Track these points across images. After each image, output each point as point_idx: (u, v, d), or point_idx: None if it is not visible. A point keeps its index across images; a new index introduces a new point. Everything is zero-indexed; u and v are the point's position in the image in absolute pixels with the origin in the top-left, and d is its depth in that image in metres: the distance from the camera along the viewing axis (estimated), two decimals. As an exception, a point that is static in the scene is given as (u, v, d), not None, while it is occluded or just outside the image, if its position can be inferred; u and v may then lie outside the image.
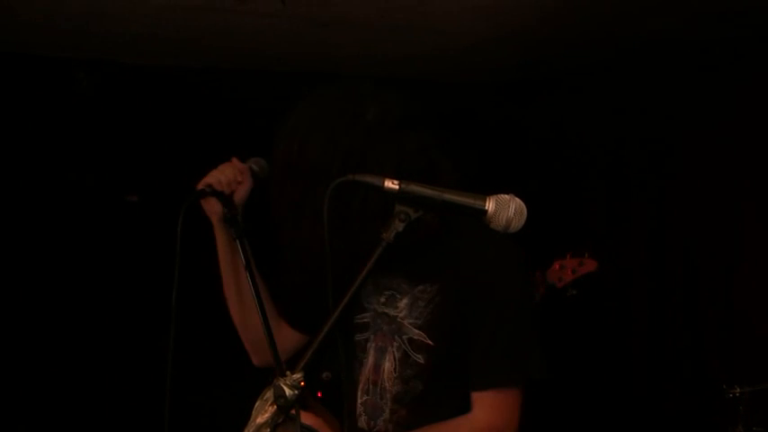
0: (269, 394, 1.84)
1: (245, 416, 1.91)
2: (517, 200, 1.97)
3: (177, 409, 2.20)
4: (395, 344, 2.44)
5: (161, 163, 5.24)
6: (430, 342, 2.39)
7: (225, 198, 2.44)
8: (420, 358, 2.40)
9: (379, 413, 2.47)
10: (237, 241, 2.40)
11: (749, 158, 4.79)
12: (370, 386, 2.49)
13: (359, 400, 2.50)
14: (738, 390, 3.81)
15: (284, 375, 1.85)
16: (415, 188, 1.96)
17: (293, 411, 1.85)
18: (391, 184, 1.96)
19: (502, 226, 1.96)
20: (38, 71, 5.05)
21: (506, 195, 1.97)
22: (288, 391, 1.83)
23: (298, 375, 1.85)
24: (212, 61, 5.23)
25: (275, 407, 1.83)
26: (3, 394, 4.98)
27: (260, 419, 1.84)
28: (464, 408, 2.40)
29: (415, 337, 2.41)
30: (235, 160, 2.53)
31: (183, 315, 2.27)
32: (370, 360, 2.51)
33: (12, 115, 5.03)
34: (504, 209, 1.95)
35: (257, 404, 1.85)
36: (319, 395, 3.69)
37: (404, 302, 2.45)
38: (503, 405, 2.39)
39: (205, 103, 5.24)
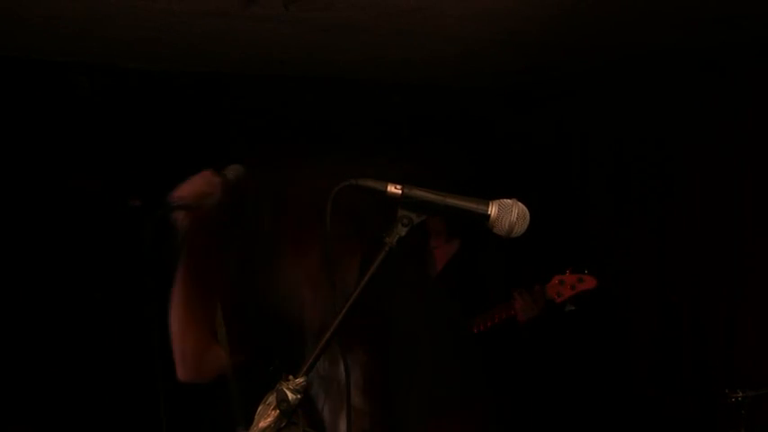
0: (271, 399, 1.84)
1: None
2: (520, 204, 1.97)
3: (176, 414, 2.21)
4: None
5: (164, 168, 5.24)
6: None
7: (192, 210, 2.49)
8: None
9: None
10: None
11: (752, 166, 4.79)
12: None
13: None
14: (740, 394, 3.81)
15: (287, 380, 1.85)
16: (417, 193, 1.96)
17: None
18: (394, 189, 1.96)
19: (505, 231, 1.96)
20: (40, 75, 5.05)
21: (509, 200, 1.97)
22: (290, 396, 1.83)
23: (300, 380, 1.85)
24: (215, 66, 5.23)
25: (278, 411, 1.83)
26: (5, 397, 4.98)
27: (263, 424, 1.84)
28: None
29: None
30: (206, 173, 2.56)
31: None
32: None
33: (14, 120, 5.04)
34: (507, 213, 1.95)
35: (260, 409, 1.85)
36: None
37: None
38: None
39: (208, 107, 5.25)
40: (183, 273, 2.50)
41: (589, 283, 4.55)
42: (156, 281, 2.28)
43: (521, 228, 1.97)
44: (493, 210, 1.95)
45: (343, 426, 2.46)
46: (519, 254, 5.12)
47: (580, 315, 4.61)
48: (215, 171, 2.56)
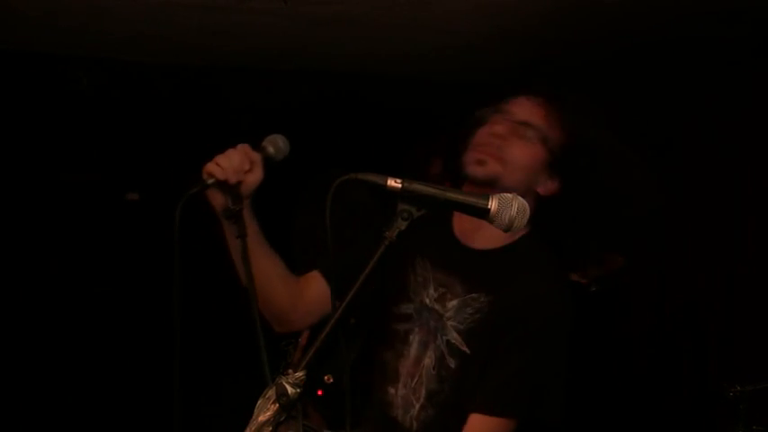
0: (271, 392, 1.84)
1: (247, 414, 1.91)
2: (519, 199, 1.97)
3: (180, 407, 2.20)
4: (437, 341, 2.43)
5: (161, 161, 5.24)
6: (465, 349, 2.37)
7: (229, 189, 2.33)
8: (452, 363, 2.40)
9: (410, 408, 2.47)
10: (239, 240, 2.35)
11: (751, 159, 4.79)
12: (409, 380, 2.48)
13: (399, 392, 2.49)
14: (739, 388, 3.81)
15: (286, 374, 1.85)
16: (417, 187, 1.96)
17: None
18: (394, 183, 1.96)
19: (504, 225, 1.96)
20: (37, 69, 5.05)
21: (509, 194, 1.98)
22: (290, 390, 1.83)
23: (300, 374, 1.85)
24: (213, 59, 5.23)
25: (277, 405, 1.83)
26: (1, 393, 4.98)
27: (262, 418, 1.84)
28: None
29: (453, 341, 2.40)
30: (243, 146, 2.39)
31: (184, 315, 2.26)
32: (413, 353, 2.50)
33: (11, 113, 5.03)
34: (507, 208, 1.95)
35: (259, 402, 1.85)
36: (319, 393, 3.69)
37: (453, 303, 2.44)
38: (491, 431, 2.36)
39: (205, 101, 5.24)
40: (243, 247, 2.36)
41: (616, 262, 4.52)
42: (186, 268, 2.22)
43: (520, 222, 1.97)
44: (493, 204, 1.95)
45: (428, 360, 2.45)
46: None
47: (601, 297, 4.60)
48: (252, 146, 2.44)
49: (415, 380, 2.46)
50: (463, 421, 2.36)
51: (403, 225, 1.94)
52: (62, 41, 4.90)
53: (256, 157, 2.38)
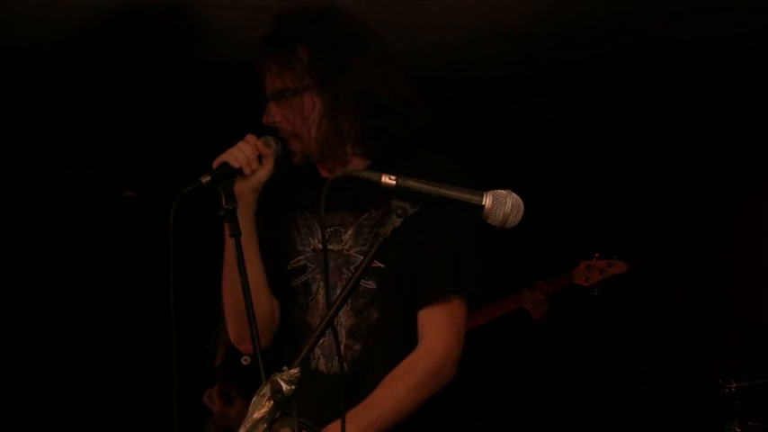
0: (266, 390, 1.84)
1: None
2: (514, 195, 1.97)
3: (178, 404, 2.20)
4: (343, 277, 2.45)
5: (158, 158, 5.23)
6: (380, 264, 2.39)
7: (228, 186, 2.36)
8: (371, 283, 2.42)
9: (331, 355, 2.47)
10: (232, 239, 2.36)
11: (747, 155, 4.79)
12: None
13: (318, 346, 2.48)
14: (734, 384, 3.82)
15: (281, 371, 1.85)
16: (412, 183, 1.96)
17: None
18: (388, 180, 1.96)
19: (499, 221, 1.96)
20: (32, 66, 5.03)
21: (503, 191, 1.97)
22: (285, 387, 1.83)
23: (295, 371, 1.85)
24: (208, 56, 5.22)
25: (272, 402, 1.84)
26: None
27: (257, 415, 1.84)
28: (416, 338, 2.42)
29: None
30: (251, 137, 2.46)
31: (180, 313, 2.26)
32: (321, 300, 2.51)
33: (5, 111, 5.02)
34: (501, 204, 1.95)
35: (254, 400, 1.86)
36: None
37: (348, 234, 2.47)
38: (451, 320, 2.42)
39: (200, 98, 5.23)
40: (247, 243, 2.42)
41: (619, 267, 4.54)
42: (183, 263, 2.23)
43: (515, 219, 1.97)
44: (487, 201, 1.95)
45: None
46: (516, 246, 5.15)
47: (604, 302, 4.61)
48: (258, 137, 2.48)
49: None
50: (392, 341, 2.42)
51: (397, 222, 1.94)
52: (56, 38, 4.89)
53: (268, 151, 2.41)
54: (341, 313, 2.43)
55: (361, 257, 2.37)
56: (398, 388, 2.37)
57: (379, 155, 2.45)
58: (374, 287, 2.43)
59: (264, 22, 3.65)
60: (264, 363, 2.23)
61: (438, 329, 2.40)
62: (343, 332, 2.46)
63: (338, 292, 2.41)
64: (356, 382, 2.43)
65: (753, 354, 4.62)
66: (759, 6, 4.33)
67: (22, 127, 5.08)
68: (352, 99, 2.44)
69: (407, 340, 2.44)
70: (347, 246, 2.47)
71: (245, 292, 2.31)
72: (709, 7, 4.38)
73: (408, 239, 2.35)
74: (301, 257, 2.57)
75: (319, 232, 2.51)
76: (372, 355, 2.44)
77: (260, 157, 2.44)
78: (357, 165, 2.47)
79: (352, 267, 2.45)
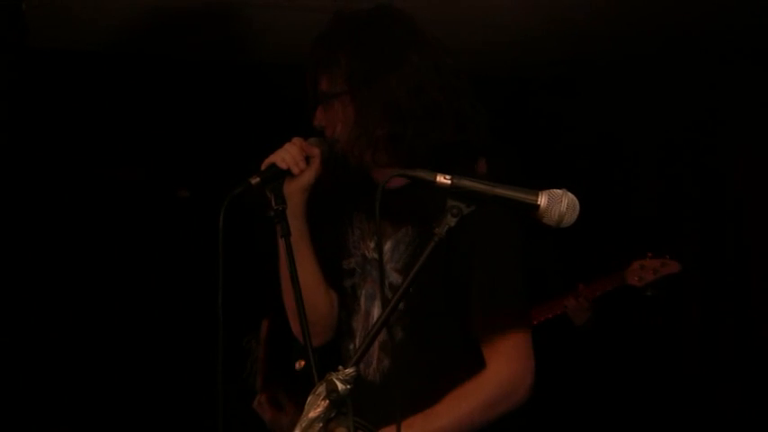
0: (321, 389, 1.85)
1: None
2: (570, 195, 1.96)
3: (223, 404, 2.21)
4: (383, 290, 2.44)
5: (212, 158, 5.26)
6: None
7: (277, 188, 2.39)
8: (400, 305, 2.41)
9: (369, 361, 2.48)
10: (283, 240, 2.38)
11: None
12: (364, 333, 2.50)
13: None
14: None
15: (337, 370, 1.86)
16: (466, 183, 1.95)
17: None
18: (443, 180, 1.96)
19: (554, 221, 1.95)
20: (88, 67, 5.08)
21: (559, 190, 1.96)
22: (340, 386, 1.83)
23: (350, 370, 1.85)
24: (260, 56, 5.25)
25: (327, 402, 1.84)
26: (28, 387, 5.00)
27: (312, 414, 1.84)
28: (443, 361, 2.43)
29: (394, 282, 2.42)
30: (297, 139, 2.49)
31: (228, 312, 2.27)
32: (362, 307, 2.53)
33: (63, 113, 5.07)
34: (557, 204, 1.94)
35: (309, 399, 1.86)
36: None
37: (388, 246, 2.48)
38: (519, 350, 2.41)
39: (255, 97, 5.26)
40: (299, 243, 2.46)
41: (672, 267, 4.49)
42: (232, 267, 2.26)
43: (570, 218, 1.96)
44: (542, 200, 1.94)
45: (376, 311, 2.50)
46: (568, 245, 5.12)
47: (655, 301, 4.58)
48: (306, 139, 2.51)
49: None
50: (417, 366, 2.41)
51: (452, 222, 1.94)
52: (110, 40, 4.94)
53: (315, 151, 2.44)
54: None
55: (395, 274, 2.44)
56: (461, 406, 2.37)
57: (416, 164, 2.44)
58: (401, 308, 2.41)
59: (318, 22, 3.66)
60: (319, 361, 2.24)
61: (506, 360, 2.39)
62: (375, 344, 2.46)
63: (376, 302, 2.47)
64: (384, 397, 2.43)
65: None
66: None
67: (80, 127, 5.13)
68: (379, 107, 2.43)
69: (433, 362, 2.44)
70: (386, 258, 2.48)
71: (296, 291, 2.33)
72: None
73: (439, 264, 2.33)
74: (352, 260, 2.59)
75: (369, 238, 2.53)
76: (398, 373, 2.45)
77: (307, 158, 2.46)
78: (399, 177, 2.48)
79: (387, 282, 2.46)
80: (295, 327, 2.59)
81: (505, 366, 2.38)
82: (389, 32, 2.52)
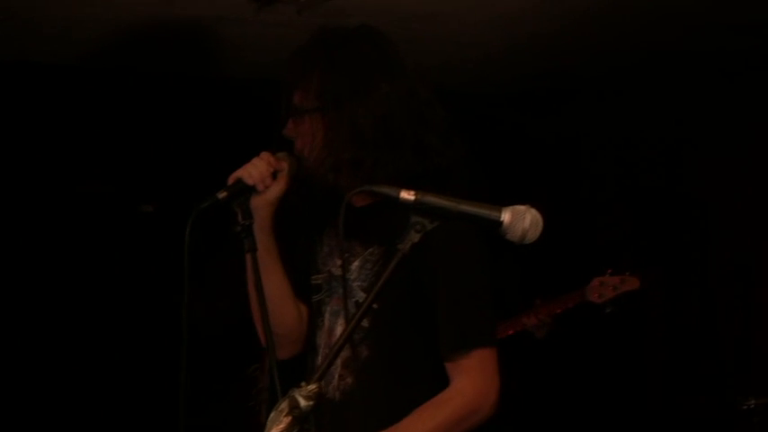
0: (284, 405, 1.84)
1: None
2: (533, 211, 1.96)
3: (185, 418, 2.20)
4: (348, 307, 2.43)
5: (176, 173, 5.24)
6: (374, 305, 2.39)
7: (244, 202, 2.39)
8: (365, 322, 2.40)
9: (331, 378, 2.48)
10: (250, 255, 2.38)
11: (763, 159, 4.78)
12: (326, 350, 2.51)
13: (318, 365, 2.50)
14: (753, 401, 3.80)
15: (299, 386, 1.85)
16: (430, 199, 1.96)
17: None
18: (407, 195, 1.96)
19: (518, 237, 1.95)
20: (53, 80, 5.06)
21: (522, 206, 1.97)
22: (303, 402, 1.83)
23: (313, 386, 1.85)
24: (227, 71, 5.24)
25: (290, 418, 1.83)
26: (7, 407, 4.96)
27: (275, 430, 1.83)
28: (409, 379, 2.43)
29: (361, 299, 2.42)
30: (266, 154, 2.48)
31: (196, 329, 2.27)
32: (326, 323, 2.53)
33: (25, 125, 5.04)
34: (520, 220, 1.94)
35: (272, 415, 1.85)
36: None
37: (355, 264, 2.48)
38: (484, 368, 2.40)
39: (220, 112, 5.25)
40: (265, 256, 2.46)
41: (632, 284, 4.50)
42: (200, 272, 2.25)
43: (533, 234, 1.96)
44: (506, 216, 1.94)
45: (340, 328, 2.50)
46: (531, 262, 5.13)
47: (617, 318, 4.59)
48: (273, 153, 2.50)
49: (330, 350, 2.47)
50: (382, 384, 2.42)
51: (416, 237, 1.94)
52: (77, 53, 4.92)
53: (283, 165, 2.44)
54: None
55: (362, 292, 2.44)
56: (425, 423, 2.36)
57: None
58: (367, 326, 2.42)
59: (282, 37, 3.67)
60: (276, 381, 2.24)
61: (471, 377, 2.39)
62: (338, 362, 2.46)
63: (340, 320, 2.48)
64: (343, 415, 2.45)
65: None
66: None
67: (43, 139, 5.10)
68: (345, 130, 2.44)
69: (398, 381, 2.44)
70: (353, 276, 2.48)
71: (261, 306, 2.34)
72: (729, 22, 4.37)
73: (405, 282, 2.34)
74: (320, 277, 2.60)
75: (337, 256, 2.53)
76: (361, 391, 2.45)
77: (275, 173, 2.46)
78: (367, 197, 2.48)
79: (353, 300, 2.45)
80: (261, 337, 2.59)
81: (470, 384, 2.38)
82: (364, 57, 2.53)
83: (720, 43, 4.73)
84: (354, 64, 2.50)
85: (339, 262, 2.51)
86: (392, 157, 2.44)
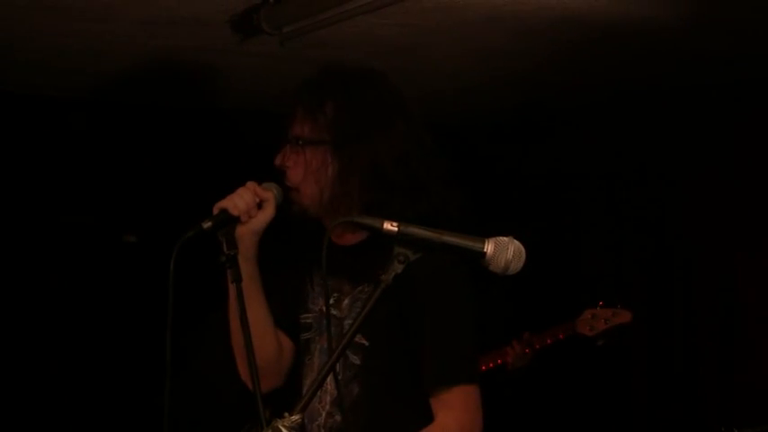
0: (267, 436, 1.84)
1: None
2: (516, 242, 1.98)
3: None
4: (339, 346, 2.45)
5: (159, 203, 5.24)
6: (364, 342, 2.40)
7: (229, 233, 2.39)
8: (356, 359, 2.43)
9: (316, 416, 2.48)
10: (235, 285, 2.37)
11: (748, 203, 4.81)
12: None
13: None
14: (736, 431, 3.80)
15: (282, 417, 1.85)
16: (413, 230, 1.97)
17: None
18: (390, 226, 1.97)
19: (501, 268, 1.96)
20: (32, 111, 5.05)
21: (505, 238, 1.98)
22: (286, 433, 1.83)
23: (296, 417, 1.85)
24: (210, 101, 5.25)
25: (273, 448, 1.83)
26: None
27: (258, 461, 1.83)
28: (397, 417, 2.43)
29: (354, 338, 2.42)
30: (252, 184, 2.48)
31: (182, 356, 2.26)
32: (316, 362, 2.53)
33: (7, 157, 5.02)
34: (504, 251, 1.96)
35: (255, 445, 1.85)
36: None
37: (346, 303, 2.49)
38: (467, 403, 2.42)
39: (203, 142, 5.25)
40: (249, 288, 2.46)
41: (624, 316, 4.51)
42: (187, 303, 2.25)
43: (516, 265, 1.97)
44: (489, 247, 1.96)
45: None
46: (518, 294, 5.14)
47: (607, 350, 4.59)
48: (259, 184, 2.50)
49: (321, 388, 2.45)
50: (370, 422, 2.42)
51: (399, 268, 1.95)
52: (57, 83, 4.92)
53: (269, 195, 2.43)
54: (329, 381, 2.44)
55: None
56: None
57: None
58: (358, 363, 2.43)
59: (265, 67, 3.68)
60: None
61: (454, 413, 2.40)
62: (327, 399, 2.46)
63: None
64: None
65: (755, 401, 4.60)
66: (761, 55, 4.37)
67: (26, 170, 5.08)
68: (365, 168, 2.44)
69: (389, 418, 2.45)
70: (344, 314, 2.49)
71: (245, 336, 2.33)
72: (708, 56, 4.42)
73: (394, 319, 2.35)
74: (309, 316, 2.59)
75: (331, 297, 2.53)
76: (348, 429, 2.44)
77: (260, 203, 2.46)
78: (355, 235, 2.47)
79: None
80: (243, 371, 2.58)
81: (453, 420, 2.39)
82: (381, 94, 2.54)
83: (698, 77, 4.78)
84: (371, 99, 2.51)
85: (331, 301, 2.51)
86: (414, 199, 2.45)
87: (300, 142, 2.51)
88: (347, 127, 2.46)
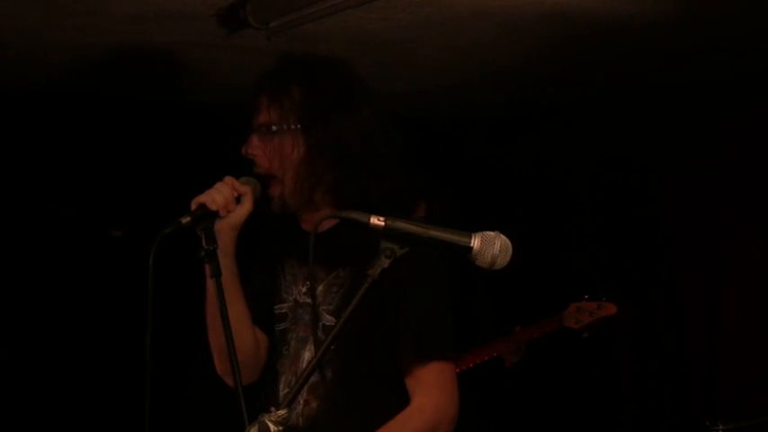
0: (254, 431, 1.84)
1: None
2: (502, 237, 1.98)
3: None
4: (316, 333, 2.46)
5: (146, 197, 5.23)
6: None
7: (208, 227, 2.39)
8: (333, 345, 2.42)
9: (295, 405, 2.48)
10: (213, 279, 2.38)
11: (734, 198, 4.82)
12: (292, 378, 2.50)
13: (281, 391, 2.52)
14: (722, 426, 3.81)
15: (269, 411, 1.85)
16: (400, 225, 1.97)
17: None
18: (377, 221, 1.97)
19: (487, 263, 1.96)
20: (20, 104, 5.03)
21: (491, 232, 1.98)
22: (272, 428, 1.83)
23: (282, 412, 1.85)
24: (197, 96, 5.24)
25: (260, 443, 1.83)
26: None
27: (244, 456, 1.83)
28: (373, 400, 2.44)
29: (328, 323, 2.44)
30: (230, 179, 2.49)
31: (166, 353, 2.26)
32: (291, 350, 2.54)
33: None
34: (490, 246, 1.96)
35: (241, 441, 1.85)
36: None
37: (320, 289, 2.49)
38: (443, 381, 2.42)
39: (190, 137, 5.24)
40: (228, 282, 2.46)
41: (609, 309, 4.53)
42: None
43: (503, 260, 1.98)
44: (475, 242, 1.96)
45: (308, 354, 2.51)
46: (505, 288, 5.15)
47: (593, 344, 4.60)
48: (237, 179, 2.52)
49: (298, 376, 2.47)
50: (345, 407, 2.43)
51: (386, 263, 1.95)
52: (45, 76, 4.90)
53: (247, 190, 2.44)
54: (303, 370, 2.44)
55: (329, 316, 2.45)
56: None
57: (348, 208, 2.46)
58: (334, 348, 2.43)
59: (252, 62, 3.67)
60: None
61: (430, 392, 2.40)
62: (305, 387, 2.46)
63: (308, 345, 2.47)
64: None
65: (740, 395, 4.62)
66: (746, 51, 4.38)
67: (13, 163, 5.06)
68: (331, 148, 2.47)
69: (364, 402, 2.46)
70: (319, 301, 2.49)
71: (225, 331, 2.34)
72: (697, 52, 4.43)
73: (370, 304, 2.35)
74: (284, 306, 2.60)
75: (301, 283, 2.54)
76: (325, 415, 2.45)
77: (239, 197, 2.46)
78: (327, 221, 2.49)
79: (320, 324, 2.47)
80: (220, 367, 2.59)
81: (428, 401, 2.40)
82: (345, 79, 2.57)
83: (685, 73, 4.79)
84: (336, 83, 2.53)
85: (304, 289, 2.52)
86: (379, 176, 2.48)
87: (271, 128, 2.51)
88: (314, 109, 2.49)
